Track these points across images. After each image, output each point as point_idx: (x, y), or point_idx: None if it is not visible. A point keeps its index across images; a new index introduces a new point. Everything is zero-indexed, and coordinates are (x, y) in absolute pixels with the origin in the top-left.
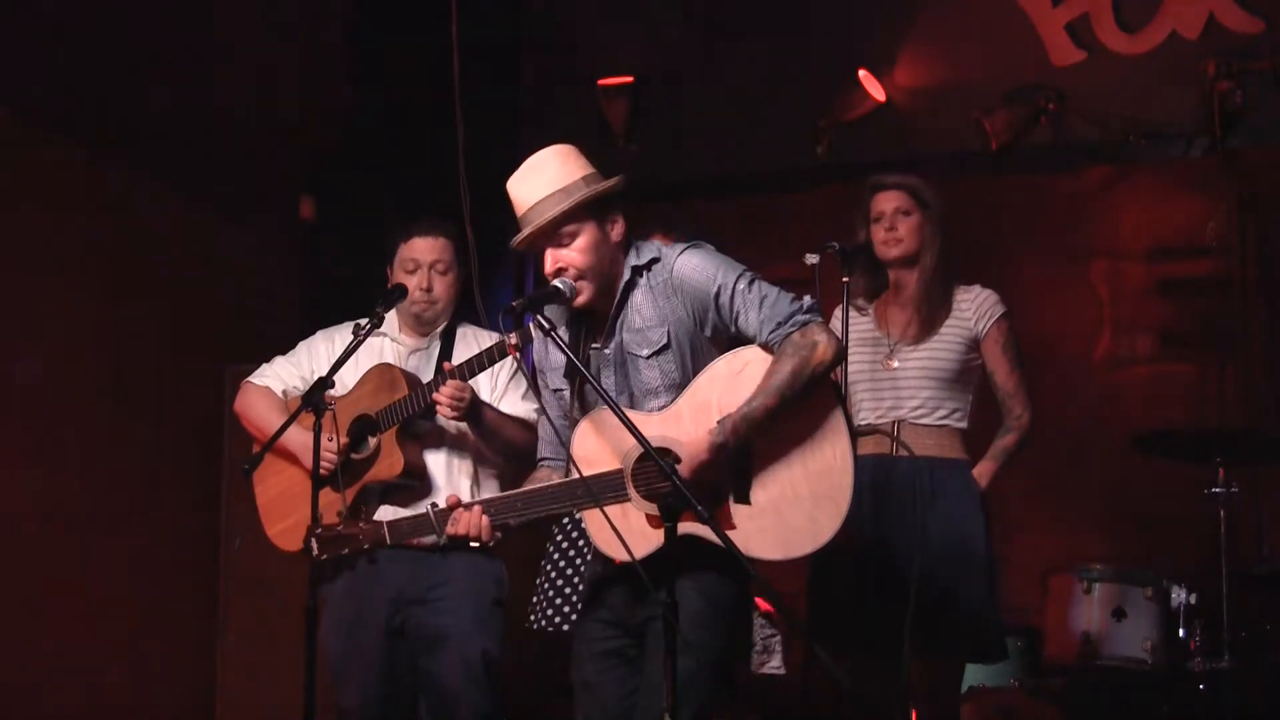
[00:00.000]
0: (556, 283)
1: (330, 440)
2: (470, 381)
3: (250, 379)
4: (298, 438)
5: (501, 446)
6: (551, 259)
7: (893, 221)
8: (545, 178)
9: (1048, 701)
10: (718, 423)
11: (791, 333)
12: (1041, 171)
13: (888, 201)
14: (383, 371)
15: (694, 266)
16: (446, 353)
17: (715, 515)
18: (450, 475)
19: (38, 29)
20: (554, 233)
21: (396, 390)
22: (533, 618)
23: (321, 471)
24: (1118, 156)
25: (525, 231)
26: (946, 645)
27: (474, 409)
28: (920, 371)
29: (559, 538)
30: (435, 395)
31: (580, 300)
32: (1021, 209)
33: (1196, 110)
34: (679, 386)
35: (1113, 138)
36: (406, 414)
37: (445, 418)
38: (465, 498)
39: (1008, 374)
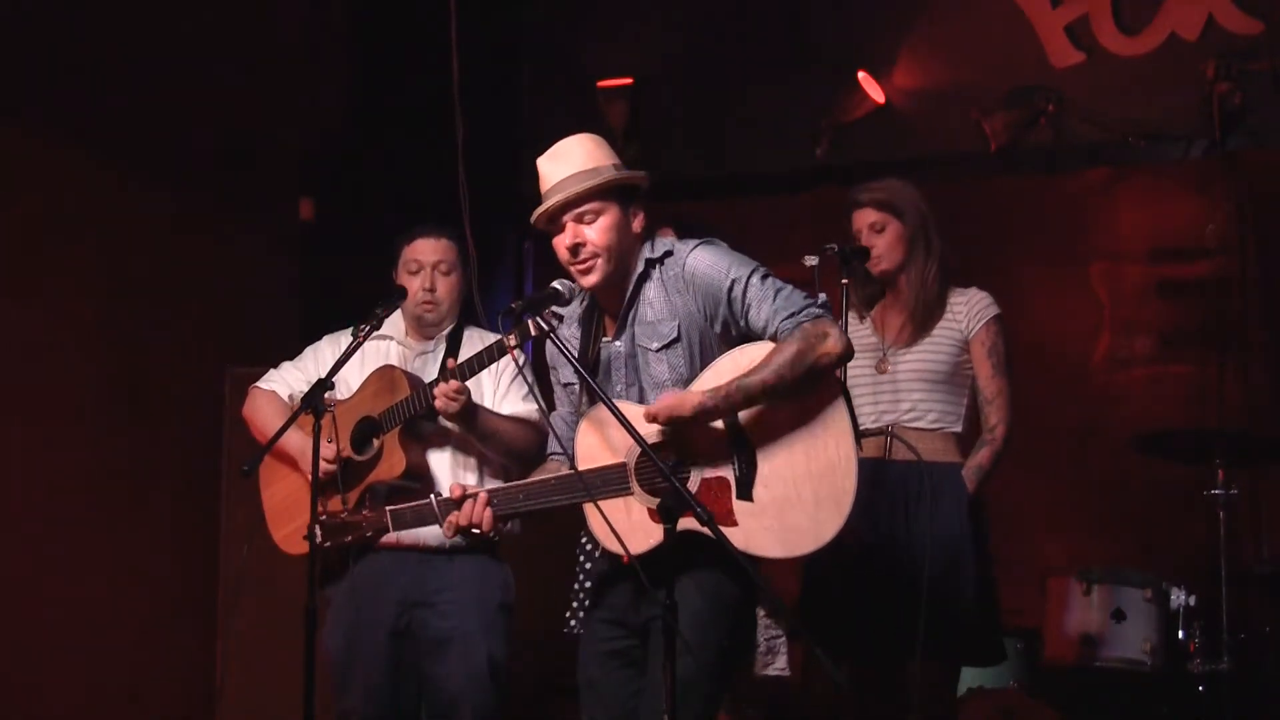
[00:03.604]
0: (555, 284)
1: (330, 443)
2: (474, 382)
3: (257, 384)
4: (299, 442)
5: (499, 448)
6: (572, 233)
7: (869, 239)
8: (575, 158)
9: (1047, 703)
10: (712, 388)
11: (804, 321)
12: (1041, 173)
13: (861, 219)
14: (384, 373)
15: (707, 262)
16: (452, 355)
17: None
18: (454, 476)
19: (38, 31)
20: (577, 207)
21: (398, 391)
22: (572, 623)
23: (320, 478)
24: (1117, 158)
25: (551, 201)
26: (938, 647)
27: (468, 411)
28: (912, 374)
29: (585, 542)
30: (435, 391)
31: (591, 280)
32: (1021, 210)
33: (1196, 112)
34: (687, 381)
35: (1112, 139)
36: (408, 415)
37: (439, 413)
38: None
39: (989, 378)
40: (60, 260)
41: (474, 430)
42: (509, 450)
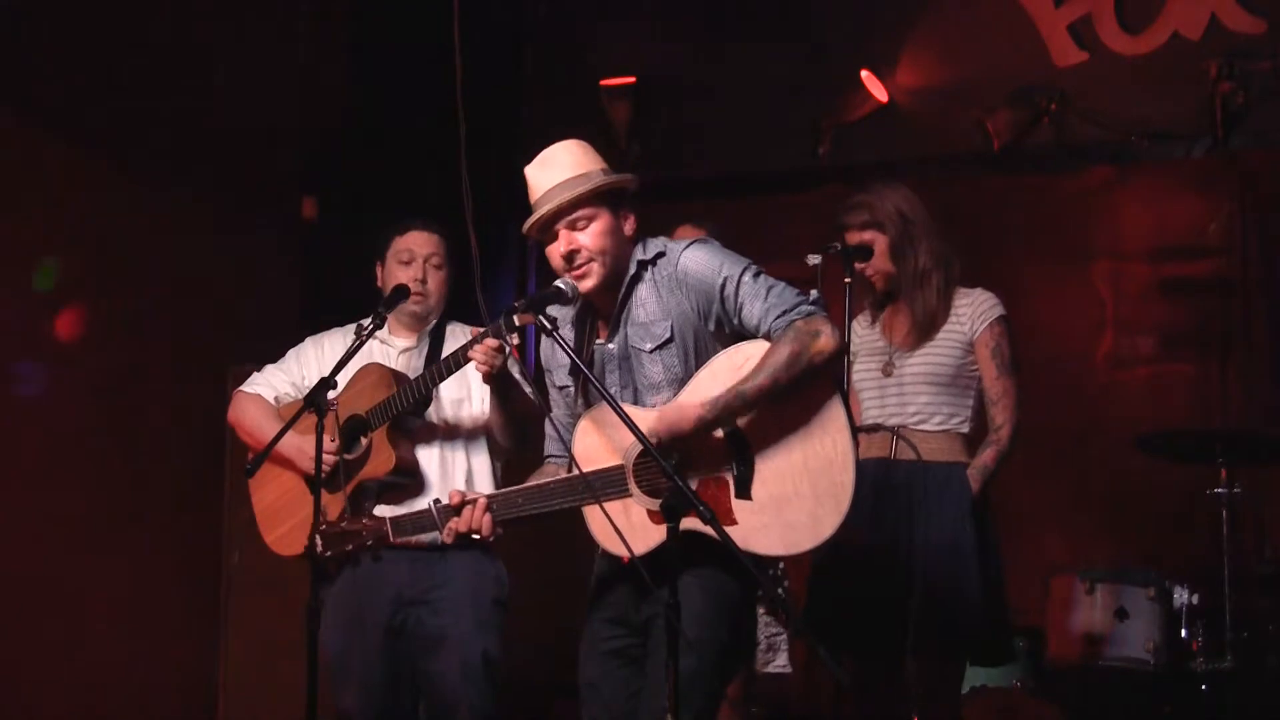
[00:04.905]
0: (558, 283)
1: (333, 441)
2: (463, 374)
3: (241, 388)
4: (291, 442)
5: (515, 414)
6: (566, 240)
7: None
8: (563, 165)
9: (1049, 702)
10: (710, 399)
11: (796, 320)
12: (1043, 172)
13: (850, 238)
14: (370, 371)
15: (699, 261)
16: (436, 351)
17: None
18: (444, 471)
19: (37, 28)
20: (569, 214)
21: (385, 389)
22: None
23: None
24: (1120, 157)
25: (542, 210)
26: (942, 646)
27: (505, 370)
28: (918, 376)
29: None
30: (471, 352)
31: (589, 285)
32: (1023, 209)
33: (1198, 111)
34: (682, 381)
35: (1115, 138)
36: (396, 411)
37: (480, 373)
38: None
39: (994, 379)
40: (60, 259)
41: (504, 392)
42: (526, 415)
